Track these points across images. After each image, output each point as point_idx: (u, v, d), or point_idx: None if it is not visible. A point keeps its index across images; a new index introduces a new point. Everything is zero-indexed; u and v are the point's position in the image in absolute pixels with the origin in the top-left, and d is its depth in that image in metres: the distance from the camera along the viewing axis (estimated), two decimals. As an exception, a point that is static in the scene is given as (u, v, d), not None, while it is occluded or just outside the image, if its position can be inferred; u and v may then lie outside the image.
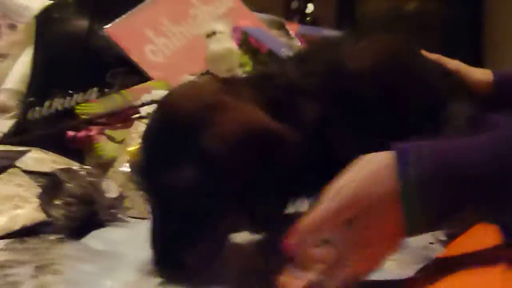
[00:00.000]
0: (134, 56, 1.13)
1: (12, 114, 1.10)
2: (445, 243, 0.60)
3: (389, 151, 0.42)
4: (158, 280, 0.52)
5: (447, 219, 0.43)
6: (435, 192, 0.40)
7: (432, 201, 0.40)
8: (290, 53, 0.93)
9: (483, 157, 0.40)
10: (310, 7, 2.59)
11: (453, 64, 0.74)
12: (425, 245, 0.62)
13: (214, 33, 0.96)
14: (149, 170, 0.51)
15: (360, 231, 0.42)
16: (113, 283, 0.52)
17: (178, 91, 0.56)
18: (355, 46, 0.61)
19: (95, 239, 0.66)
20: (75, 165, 0.82)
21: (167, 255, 0.51)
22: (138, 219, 0.82)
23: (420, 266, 0.52)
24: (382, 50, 0.60)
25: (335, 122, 0.54)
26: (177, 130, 0.48)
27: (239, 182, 0.49)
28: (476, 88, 0.74)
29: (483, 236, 0.49)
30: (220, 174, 0.47)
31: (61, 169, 0.74)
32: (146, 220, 0.81)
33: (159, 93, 1.00)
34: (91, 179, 0.70)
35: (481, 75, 0.76)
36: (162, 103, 0.56)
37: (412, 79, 0.60)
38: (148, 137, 0.52)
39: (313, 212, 0.43)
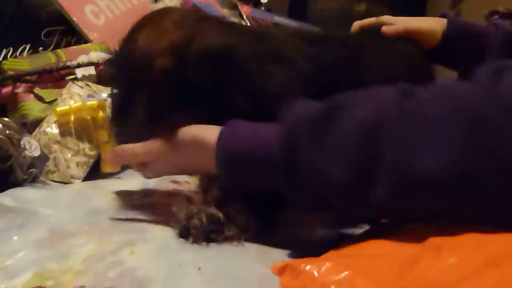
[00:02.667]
0: (74, 15, 1.05)
1: None
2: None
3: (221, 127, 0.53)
4: (71, 241, 0.48)
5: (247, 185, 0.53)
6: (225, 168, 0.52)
7: (225, 174, 0.52)
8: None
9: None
10: (265, -3, 2.55)
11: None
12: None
13: (162, -3, 0.91)
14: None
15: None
16: (20, 239, 0.47)
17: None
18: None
19: (8, 196, 0.60)
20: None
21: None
22: (60, 183, 0.76)
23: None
24: None
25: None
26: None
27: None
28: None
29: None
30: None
31: (-25, 121, 0.67)
32: (68, 184, 0.76)
33: (97, 55, 0.94)
34: (9, 132, 0.63)
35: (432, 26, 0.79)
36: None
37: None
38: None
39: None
